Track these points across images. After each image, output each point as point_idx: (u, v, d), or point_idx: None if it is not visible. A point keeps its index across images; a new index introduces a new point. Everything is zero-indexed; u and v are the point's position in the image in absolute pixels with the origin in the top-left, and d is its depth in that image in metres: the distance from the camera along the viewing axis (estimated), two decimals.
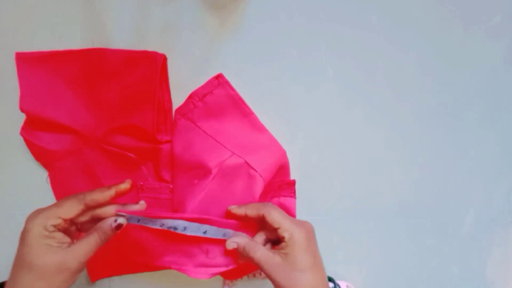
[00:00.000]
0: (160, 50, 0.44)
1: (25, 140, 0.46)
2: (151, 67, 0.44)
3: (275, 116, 0.47)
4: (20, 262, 0.33)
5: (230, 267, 0.44)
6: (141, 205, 0.39)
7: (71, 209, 0.35)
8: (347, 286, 0.49)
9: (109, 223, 0.36)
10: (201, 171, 0.45)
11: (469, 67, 0.47)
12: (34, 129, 0.46)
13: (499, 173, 0.50)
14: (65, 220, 0.35)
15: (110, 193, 0.37)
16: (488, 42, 0.46)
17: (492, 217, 0.50)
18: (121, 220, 0.36)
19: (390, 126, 0.48)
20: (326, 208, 0.49)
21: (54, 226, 0.34)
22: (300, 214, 0.48)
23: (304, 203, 0.48)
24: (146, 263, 0.45)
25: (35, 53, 0.44)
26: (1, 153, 0.48)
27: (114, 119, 0.45)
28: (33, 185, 0.48)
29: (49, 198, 0.48)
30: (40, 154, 0.47)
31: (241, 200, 0.44)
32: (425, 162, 0.49)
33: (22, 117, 0.46)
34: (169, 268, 0.44)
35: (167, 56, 0.45)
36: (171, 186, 0.47)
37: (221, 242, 0.42)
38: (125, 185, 0.38)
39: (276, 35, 0.45)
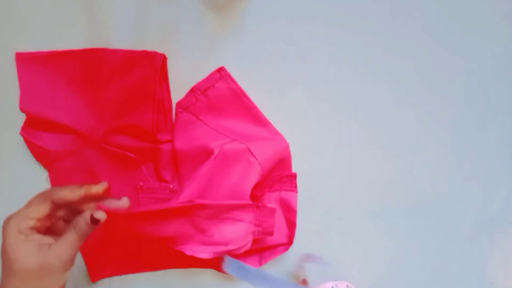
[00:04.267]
0: (160, 50, 0.44)
1: (25, 140, 0.46)
2: (151, 67, 0.44)
3: (275, 116, 0.47)
4: (5, 270, 0.33)
5: (230, 247, 0.42)
6: (124, 201, 0.36)
7: (39, 208, 0.33)
8: (347, 286, 0.49)
9: (85, 218, 0.33)
10: (204, 155, 0.44)
11: (469, 67, 0.47)
12: (34, 129, 0.46)
13: (499, 173, 0.50)
14: (38, 219, 0.33)
15: (79, 192, 0.34)
16: (488, 42, 0.46)
17: (492, 217, 0.50)
18: (99, 215, 0.33)
19: (390, 126, 0.48)
20: (326, 208, 0.49)
21: (30, 228, 0.33)
22: (300, 214, 0.48)
23: (304, 204, 0.48)
24: (145, 239, 0.44)
25: (35, 53, 0.44)
26: (1, 153, 0.48)
27: (114, 119, 0.45)
28: (33, 185, 0.48)
29: None
30: (40, 154, 0.47)
31: (236, 185, 0.43)
32: (425, 162, 0.49)
33: (22, 117, 0.46)
34: (167, 246, 0.42)
35: (167, 56, 0.45)
36: (171, 186, 0.47)
37: (215, 219, 0.41)
38: (97, 188, 0.35)
39: (276, 35, 0.45)
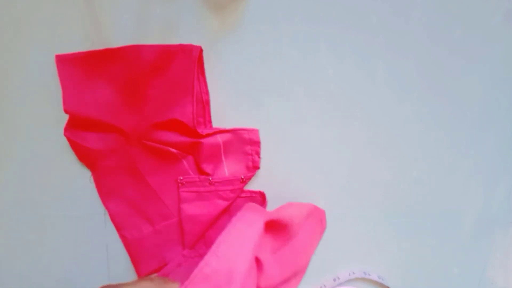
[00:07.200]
0: None
1: (69, 140, 0.46)
2: (188, 59, 0.44)
3: (275, 116, 0.47)
4: None
5: None
6: None
7: None
8: None
9: None
10: None
11: (469, 67, 0.47)
12: (77, 130, 0.46)
13: (499, 173, 0.50)
14: None
15: None
16: (488, 42, 0.46)
17: (492, 217, 0.50)
18: None
19: (390, 126, 0.48)
20: (326, 208, 0.49)
21: None
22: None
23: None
24: None
25: (74, 54, 0.44)
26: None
27: (155, 115, 0.45)
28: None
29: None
30: (84, 154, 0.47)
31: None
32: (425, 162, 0.49)
33: (63, 118, 0.46)
34: None
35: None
36: (210, 178, 0.47)
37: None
38: None
39: (276, 35, 0.45)
